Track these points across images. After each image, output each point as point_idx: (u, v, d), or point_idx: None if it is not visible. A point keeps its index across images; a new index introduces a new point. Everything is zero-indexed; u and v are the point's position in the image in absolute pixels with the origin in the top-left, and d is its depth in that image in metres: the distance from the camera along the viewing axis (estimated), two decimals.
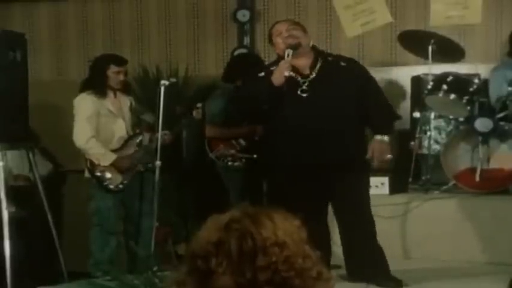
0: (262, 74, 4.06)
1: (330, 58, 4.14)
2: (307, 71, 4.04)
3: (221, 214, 1.52)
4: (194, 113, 5.16)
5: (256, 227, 1.45)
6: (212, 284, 1.41)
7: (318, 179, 3.97)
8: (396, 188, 5.29)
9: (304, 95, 3.96)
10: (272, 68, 4.04)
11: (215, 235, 1.45)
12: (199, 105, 5.18)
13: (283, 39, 3.98)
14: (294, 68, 4.00)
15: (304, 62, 4.05)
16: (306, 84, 3.98)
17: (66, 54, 6.95)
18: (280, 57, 4.01)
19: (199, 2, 6.72)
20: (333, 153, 3.96)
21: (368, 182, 4.27)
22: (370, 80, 4.19)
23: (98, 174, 4.94)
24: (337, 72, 4.03)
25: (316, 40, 4.35)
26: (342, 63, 4.09)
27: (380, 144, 4.09)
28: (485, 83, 5.41)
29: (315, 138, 3.95)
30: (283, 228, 1.46)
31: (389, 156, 4.08)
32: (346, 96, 3.99)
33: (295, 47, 3.94)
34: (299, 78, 4.00)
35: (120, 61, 5.08)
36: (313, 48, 4.14)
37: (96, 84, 4.99)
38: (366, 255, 4.06)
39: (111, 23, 6.87)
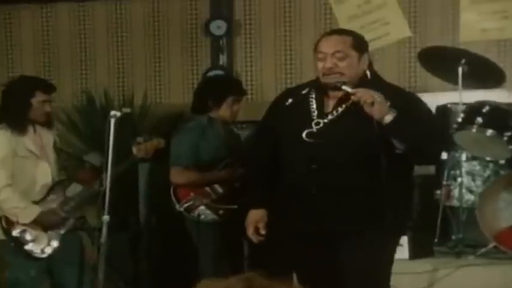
0: (290, 101, 4.05)
1: None
2: (329, 109, 3.95)
3: (217, 281, 1.52)
4: (134, 149, 5.00)
5: None
6: None
7: (318, 250, 3.98)
8: (419, 251, 5.26)
9: (310, 140, 3.90)
10: (304, 92, 4.03)
11: None
12: (140, 139, 5.05)
13: (322, 76, 3.92)
14: (318, 100, 3.96)
15: (332, 93, 3.95)
16: (319, 126, 3.91)
17: None
18: (318, 81, 3.98)
19: (161, 9, 6.75)
20: (335, 218, 3.91)
21: (387, 251, 4.11)
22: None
23: (17, 235, 4.81)
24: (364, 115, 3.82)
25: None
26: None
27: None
28: None
29: (314, 199, 3.91)
30: None
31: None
32: (368, 144, 3.84)
33: (334, 89, 3.90)
34: (314, 116, 3.93)
35: (49, 87, 5.01)
36: (364, 76, 3.99)
37: (13, 115, 4.88)
38: None
39: (44, 35, 6.83)
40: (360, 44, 3.98)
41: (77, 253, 5.01)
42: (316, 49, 3.99)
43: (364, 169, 3.87)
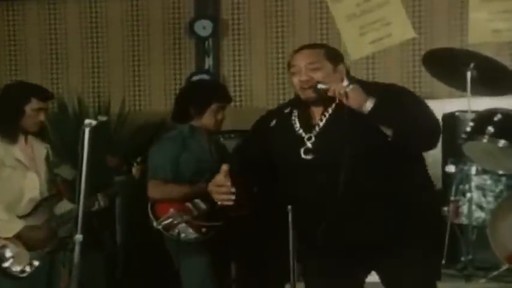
0: (274, 123, 4.11)
1: None
2: (316, 120, 4.00)
3: None
4: (134, 170, 5.15)
5: None
6: None
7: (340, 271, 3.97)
8: None
9: (309, 156, 3.92)
10: (286, 111, 4.08)
11: None
12: (140, 159, 5.14)
13: (299, 88, 3.98)
14: (303, 116, 4.01)
15: (316, 107, 3.99)
16: (312, 140, 3.94)
17: None
18: (298, 97, 4.04)
19: (140, 7, 6.76)
20: (353, 234, 3.89)
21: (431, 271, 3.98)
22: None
23: None
24: (357, 115, 3.84)
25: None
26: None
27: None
28: None
29: (326, 217, 3.88)
30: None
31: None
32: (368, 149, 3.85)
33: (313, 101, 3.95)
34: (303, 134, 3.97)
35: (46, 95, 5.00)
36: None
37: (4, 122, 4.90)
38: None
39: (11, 35, 6.84)
40: (333, 55, 4.06)
41: (53, 275, 5.01)
42: (289, 65, 4.07)
43: (370, 169, 3.86)
